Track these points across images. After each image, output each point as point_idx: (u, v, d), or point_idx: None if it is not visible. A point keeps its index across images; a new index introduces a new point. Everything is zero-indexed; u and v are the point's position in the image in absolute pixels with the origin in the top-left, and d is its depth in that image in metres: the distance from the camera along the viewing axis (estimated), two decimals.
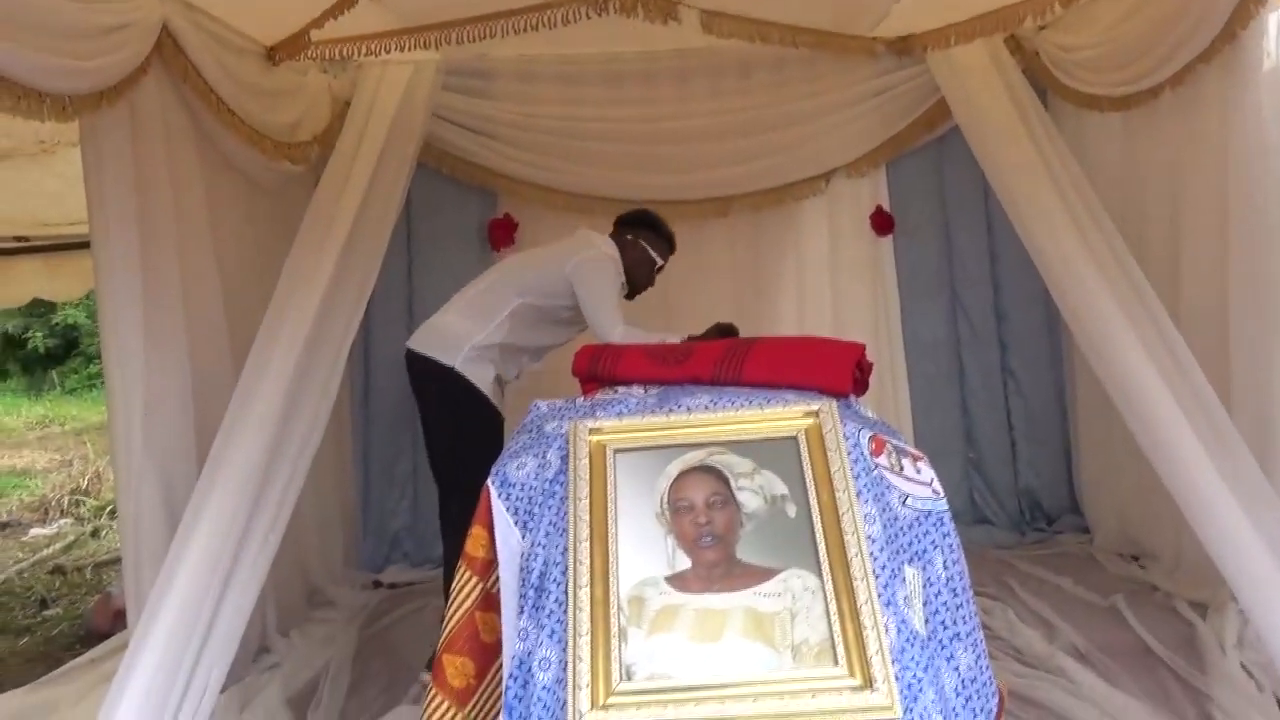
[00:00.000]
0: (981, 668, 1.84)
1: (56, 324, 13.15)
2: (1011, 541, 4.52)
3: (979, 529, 4.60)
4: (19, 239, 5.39)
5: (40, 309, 12.69)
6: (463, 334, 3.25)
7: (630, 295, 3.42)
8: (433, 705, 1.91)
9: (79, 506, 7.04)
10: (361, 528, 4.70)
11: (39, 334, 13.25)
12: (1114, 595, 3.60)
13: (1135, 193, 3.87)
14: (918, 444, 2.00)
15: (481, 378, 3.22)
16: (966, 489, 4.72)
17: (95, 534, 6.35)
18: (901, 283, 4.74)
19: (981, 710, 1.79)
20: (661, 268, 3.57)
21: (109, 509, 6.41)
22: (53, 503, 7.14)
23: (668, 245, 3.56)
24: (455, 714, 1.90)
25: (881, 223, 4.71)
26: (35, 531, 6.56)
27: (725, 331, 3.19)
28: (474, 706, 1.91)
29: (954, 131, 4.17)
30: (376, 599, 4.21)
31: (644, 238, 3.49)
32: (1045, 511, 4.72)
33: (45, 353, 13.39)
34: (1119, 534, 4.25)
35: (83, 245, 4.67)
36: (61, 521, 6.79)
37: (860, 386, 2.17)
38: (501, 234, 4.61)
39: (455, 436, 3.26)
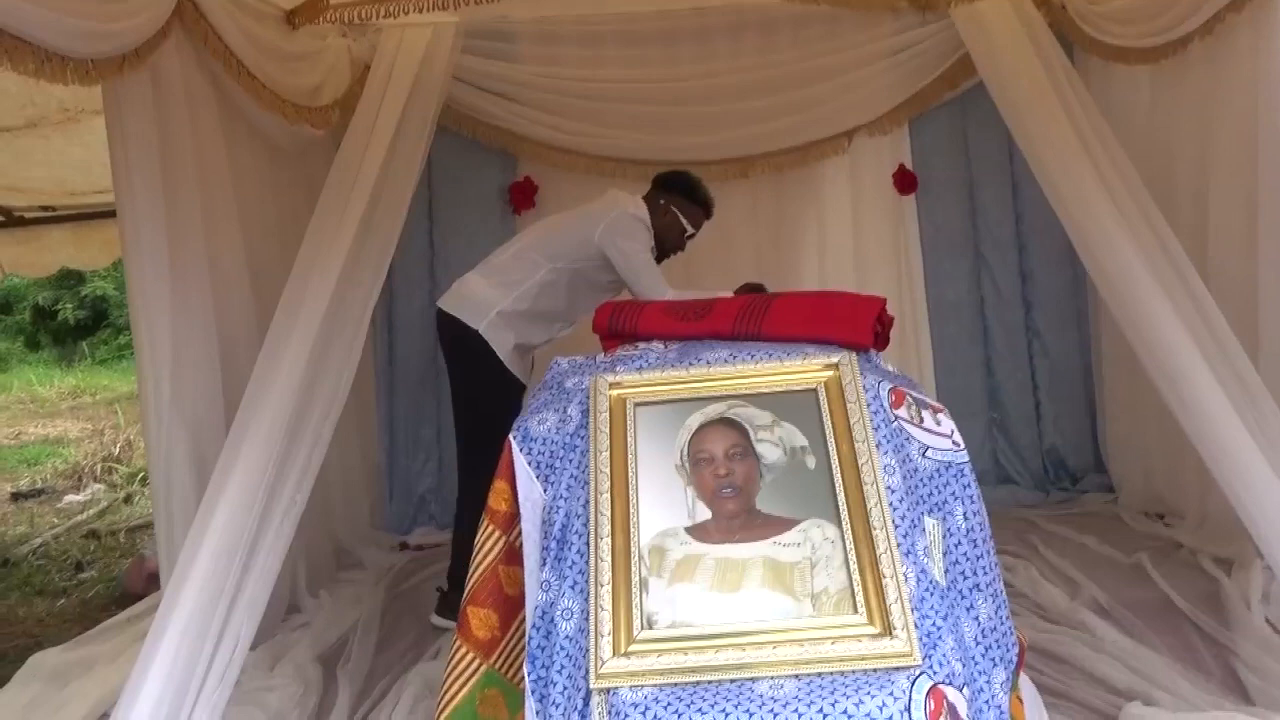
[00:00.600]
0: (1001, 618, 1.85)
1: (86, 296, 13.30)
2: (1035, 501, 4.51)
3: (1003, 489, 4.59)
4: (45, 209, 5.43)
5: (70, 281, 12.84)
6: (489, 300, 3.29)
7: (658, 260, 3.42)
8: (457, 656, 1.94)
9: (111, 473, 7.16)
10: (387, 491, 4.75)
11: (69, 306, 13.41)
12: (1138, 553, 3.59)
13: (1163, 148, 3.81)
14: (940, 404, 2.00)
15: (501, 344, 3.25)
16: (990, 449, 4.70)
17: (128, 500, 6.46)
18: (925, 242, 4.71)
19: (1001, 660, 1.80)
20: (693, 235, 3.55)
21: (140, 475, 6.51)
22: (86, 470, 7.26)
23: (703, 212, 3.54)
24: (480, 665, 1.93)
25: (904, 182, 4.67)
26: (70, 498, 6.68)
27: (755, 290, 3.19)
28: (498, 657, 1.94)
29: (978, 88, 4.12)
30: (403, 560, 4.26)
31: (676, 203, 3.47)
32: (1070, 470, 4.70)
33: (75, 324, 13.55)
34: (1144, 492, 4.23)
35: (109, 214, 4.71)
36: (95, 488, 6.91)
37: (881, 340, 2.16)
38: (522, 197, 4.62)
39: (472, 397, 3.30)
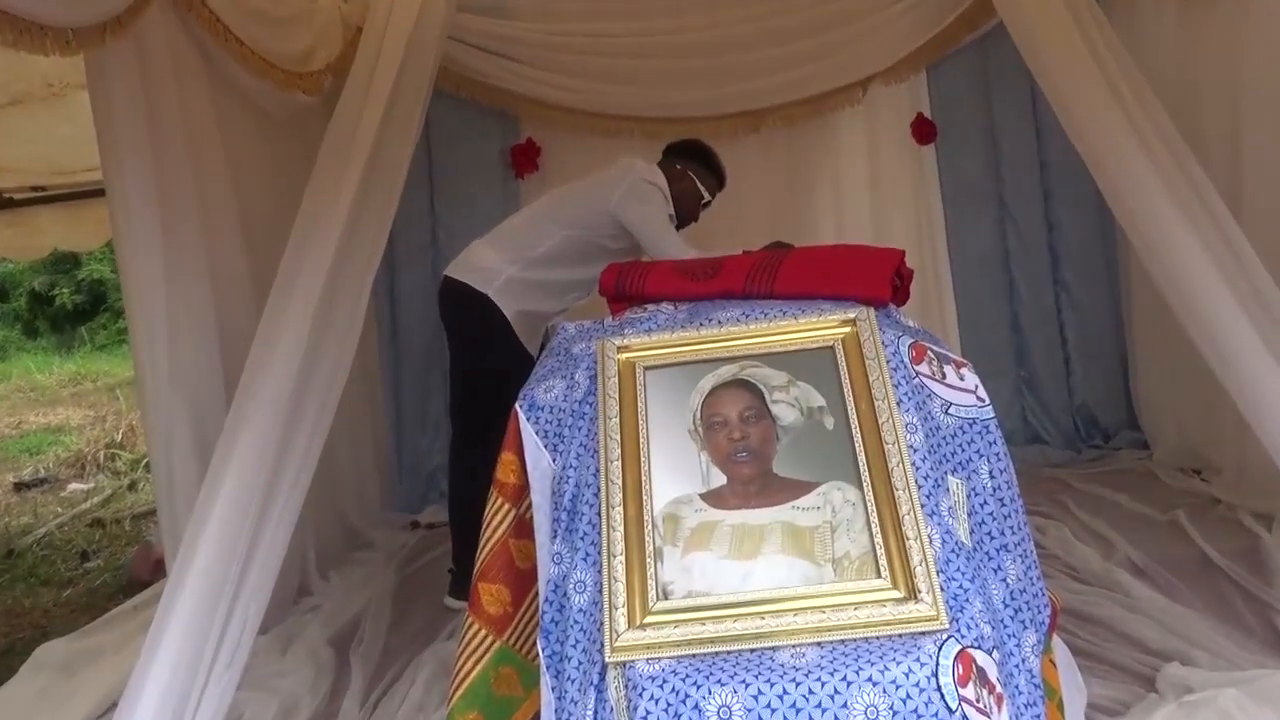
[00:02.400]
0: (1032, 579, 1.84)
1: (83, 280, 13.35)
2: (1067, 460, 4.50)
3: (1033, 449, 4.58)
4: (36, 189, 5.42)
5: (65, 265, 12.89)
6: (498, 266, 3.28)
7: (676, 229, 3.40)
8: (470, 634, 1.94)
9: (115, 460, 7.21)
10: (397, 469, 4.77)
11: (66, 291, 13.46)
12: (1174, 509, 3.58)
13: (1193, 89, 3.75)
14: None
15: (508, 307, 3.24)
16: (1019, 408, 4.70)
17: (132, 486, 6.52)
18: (946, 194, 4.68)
19: (1032, 622, 1.79)
20: (709, 203, 3.54)
21: (144, 462, 6.55)
22: (89, 458, 7.31)
23: (717, 180, 3.54)
24: (493, 641, 1.93)
25: (923, 131, 4.63)
26: (73, 486, 6.74)
27: (782, 248, 3.17)
28: (512, 633, 1.94)
29: (998, 30, 4.03)
30: (414, 539, 4.28)
31: (692, 169, 3.47)
32: (1102, 428, 4.68)
33: (73, 309, 13.61)
34: (1179, 447, 4.21)
35: (100, 193, 4.69)
36: (98, 476, 6.96)
37: (900, 295, 2.14)
38: (525, 160, 4.59)
39: (477, 365, 3.29)
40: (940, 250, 4.68)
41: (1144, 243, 3.13)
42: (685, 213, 3.46)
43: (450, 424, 3.56)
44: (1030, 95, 4.42)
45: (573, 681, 1.64)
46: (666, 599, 1.63)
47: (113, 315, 13.23)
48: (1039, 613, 1.83)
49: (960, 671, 1.51)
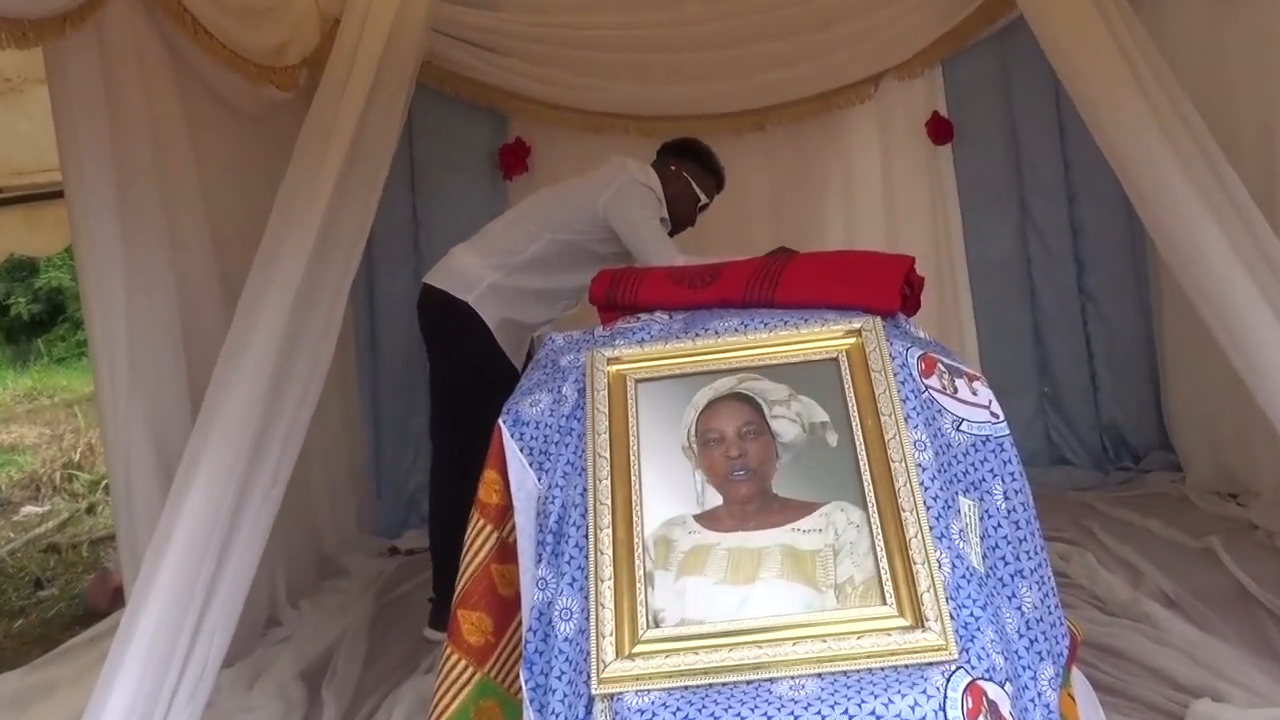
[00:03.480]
0: (1049, 608, 1.85)
1: (40, 288, 13.34)
2: (1094, 482, 4.51)
3: (1057, 470, 4.59)
4: None
5: (22, 272, 12.88)
6: (480, 272, 3.29)
7: (670, 235, 3.41)
8: (449, 665, 1.95)
9: (72, 482, 7.21)
10: (375, 490, 4.77)
11: (22, 300, 13.44)
12: (1208, 536, 3.58)
13: (1223, 86, 3.77)
14: (985, 377, 1.99)
15: (491, 316, 3.26)
16: (1042, 426, 4.70)
17: (91, 510, 6.50)
18: (963, 197, 4.69)
19: (1049, 653, 1.80)
20: (706, 206, 3.56)
21: (104, 483, 6.55)
22: (44, 479, 7.30)
23: (715, 181, 3.56)
24: (474, 673, 1.94)
25: (939, 130, 4.65)
26: (27, 510, 6.72)
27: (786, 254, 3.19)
28: (494, 664, 1.95)
29: (1019, 23, 4.07)
30: (393, 566, 4.29)
31: (687, 170, 3.48)
32: (1131, 448, 4.69)
33: (30, 320, 13.60)
34: (1214, 469, 4.22)
35: (59, 195, 4.71)
36: (54, 498, 6.96)
37: (910, 304, 2.16)
38: (514, 160, 4.61)
39: (457, 379, 3.31)
40: (957, 256, 4.69)
41: (1172, 249, 3.15)
42: (680, 216, 3.47)
43: (431, 442, 3.56)
44: (1053, 91, 4.41)
45: (557, 715, 1.65)
46: (657, 627, 1.63)
47: (72, 326, 13.20)
48: (1057, 643, 1.84)
49: (970, 705, 1.52)
